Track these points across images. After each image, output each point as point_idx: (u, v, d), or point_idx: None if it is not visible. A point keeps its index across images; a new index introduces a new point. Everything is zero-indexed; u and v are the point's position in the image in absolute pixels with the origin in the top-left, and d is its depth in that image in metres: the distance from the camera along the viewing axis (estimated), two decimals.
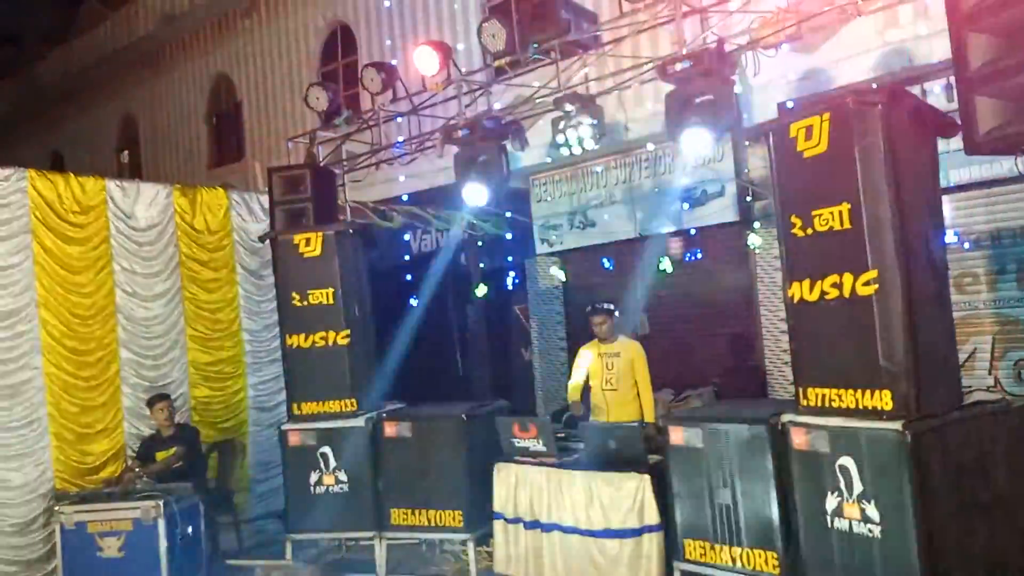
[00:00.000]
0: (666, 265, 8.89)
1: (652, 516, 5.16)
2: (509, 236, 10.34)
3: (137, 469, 6.82)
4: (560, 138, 6.44)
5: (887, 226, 4.06)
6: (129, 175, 15.50)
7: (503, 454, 6.03)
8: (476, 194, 6.82)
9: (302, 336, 6.81)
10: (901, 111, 4.14)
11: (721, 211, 8.36)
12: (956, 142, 4.12)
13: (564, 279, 10.05)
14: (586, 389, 6.68)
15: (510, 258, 10.61)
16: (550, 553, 5.63)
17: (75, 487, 6.82)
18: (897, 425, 3.94)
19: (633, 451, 5.42)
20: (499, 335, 10.95)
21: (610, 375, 6.52)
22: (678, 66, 5.55)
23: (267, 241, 7.43)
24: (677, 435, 5.07)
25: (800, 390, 4.50)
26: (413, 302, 10.98)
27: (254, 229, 8.40)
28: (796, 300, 4.46)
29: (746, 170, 8.08)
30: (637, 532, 5.20)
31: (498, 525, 5.97)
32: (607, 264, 9.59)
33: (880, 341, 4.06)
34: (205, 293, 8.10)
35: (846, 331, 4.21)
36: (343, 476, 6.56)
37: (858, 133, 4.11)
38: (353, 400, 6.72)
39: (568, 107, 6.37)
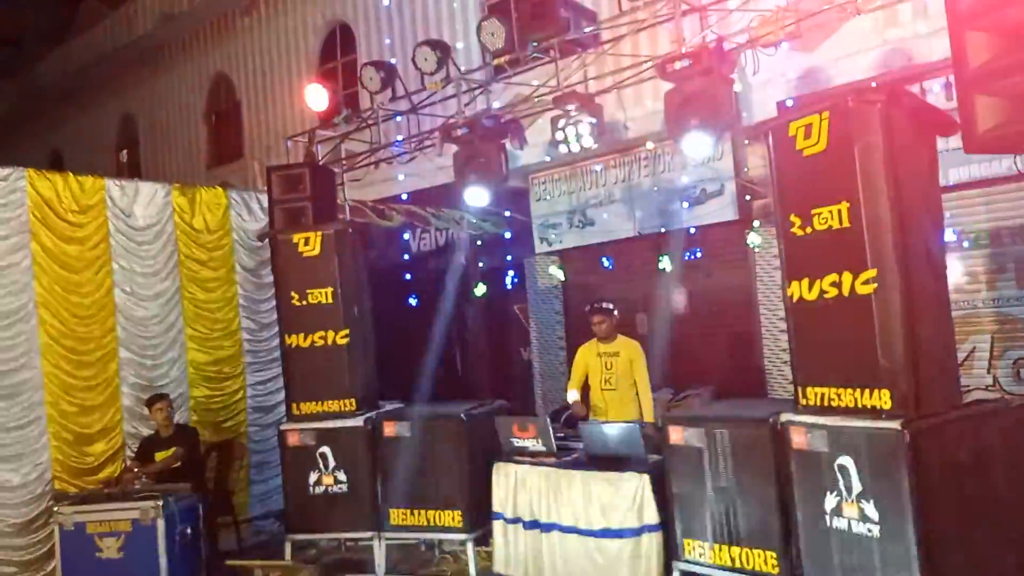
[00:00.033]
0: (665, 264, 8.88)
1: (651, 516, 5.15)
2: (508, 235, 10.34)
3: (136, 469, 6.81)
4: (559, 137, 6.43)
5: (886, 225, 4.05)
6: (128, 174, 15.46)
7: (502, 454, 6.02)
8: (477, 196, 6.82)
9: (301, 336, 6.80)
10: (900, 110, 4.13)
11: (720, 210, 8.36)
12: (955, 141, 4.11)
13: (563, 278, 10.05)
14: (585, 389, 6.68)
15: (509, 257, 10.61)
16: (549, 553, 5.62)
17: (74, 487, 6.80)
18: (896, 424, 3.94)
19: (632, 451, 5.42)
20: (498, 334, 10.95)
21: (609, 375, 6.52)
22: (677, 64, 5.54)
23: (266, 240, 7.42)
24: (676, 435, 5.06)
25: (799, 389, 4.50)
26: (412, 301, 10.99)
27: (253, 228, 8.39)
28: (795, 299, 4.46)
29: (745, 169, 8.09)
30: (636, 532, 5.19)
31: (497, 525, 5.96)
32: (606, 263, 9.59)
33: (879, 340, 4.05)
34: (204, 292, 8.08)
35: (845, 330, 4.21)
36: (342, 476, 6.55)
37: (857, 132, 4.10)
38: (352, 400, 6.71)
39: (567, 106, 6.36)
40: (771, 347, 8.11)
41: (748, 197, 8.13)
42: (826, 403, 4.31)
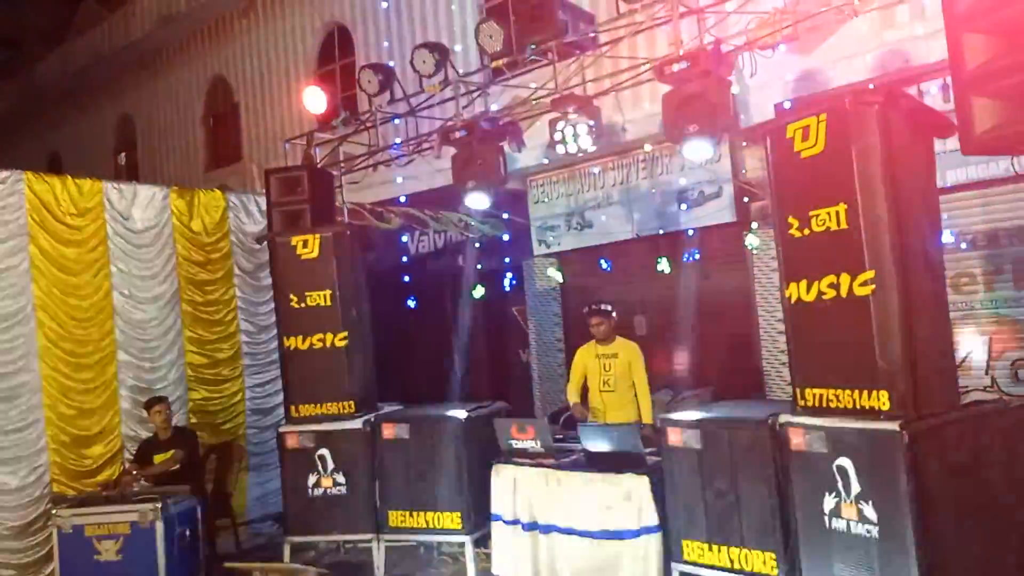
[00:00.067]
0: (664, 266, 8.89)
1: (650, 517, 5.15)
2: (506, 237, 10.35)
3: (135, 472, 6.81)
4: (557, 139, 6.43)
5: (884, 226, 4.06)
6: (126, 177, 15.50)
7: (501, 455, 6.02)
8: (477, 200, 6.83)
9: (300, 338, 6.80)
10: (898, 111, 4.14)
11: (718, 212, 8.38)
12: (952, 142, 4.12)
13: (561, 280, 10.06)
14: (584, 390, 6.68)
15: (508, 259, 10.61)
16: (548, 555, 5.62)
17: (72, 490, 6.80)
18: (894, 425, 3.94)
19: (631, 452, 5.42)
20: (496, 336, 10.96)
21: (607, 376, 6.52)
22: (675, 67, 5.55)
23: (264, 243, 7.42)
24: (675, 436, 5.07)
25: (797, 390, 4.50)
26: (411, 304, 10.99)
27: (252, 231, 8.40)
28: (793, 300, 4.46)
29: (743, 171, 8.10)
30: (635, 533, 5.19)
31: (496, 527, 5.96)
32: (604, 265, 9.60)
33: (877, 341, 4.06)
34: (202, 295, 8.09)
35: (843, 331, 4.21)
36: (341, 478, 6.55)
37: (855, 133, 4.11)
38: (351, 402, 6.71)
39: (565, 108, 6.36)
40: (769, 348, 8.12)
41: (746, 199, 8.15)
42: (824, 404, 4.32)
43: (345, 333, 6.74)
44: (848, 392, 4.20)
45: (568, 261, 9.98)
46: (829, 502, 4.25)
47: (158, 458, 6.97)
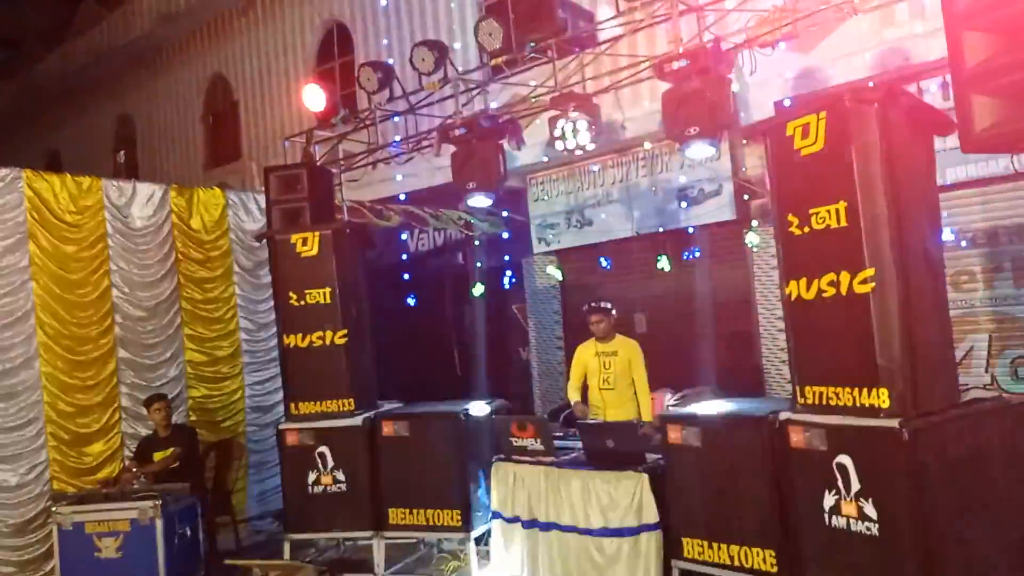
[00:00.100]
0: (663, 264, 8.89)
1: (650, 515, 5.15)
2: (506, 235, 10.35)
3: (134, 469, 6.82)
4: (557, 136, 6.43)
5: (884, 224, 4.06)
6: (125, 175, 15.47)
7: (501, 453, 6.03)
8: (479, 199, 6.83)
9: (299, 336, 6.80)
10: (897, 109, 4.14)
11: (718, 210, 8.38)
12: (952, 140, 4.12)
13: (561, 278, 10.06)
14: (584, 388, 6.68)
15: (507, 257, 10.62)
16: (548, 552, 5.63)
17: (72, 487, 6.80)
18: (894, 423, 3.94)
19: (631, 450, 5.42)
20: (497, 334, 10.95)
21: (607, 374, 6.52)
22: (675, 65, 5.54)
23: (264, 241, 7.42)
24: (675, 433, 5.07)
25: (797, 388, 4.50)
26: (411, 301, 10.99)
27: (251, 229, 8.40)
28: (793, 298, 4.46)
29: (743, 169, 8.09)
30: (635, 531, 5.19)
31: (496, 524, 5.97)
32: (604, 263, 9.60)
33: (877, 339, 4.06)
34: (202, 293, 8.09)
35: (843, 329, 4.21)
36: (341, 476, 6.55)
37: (855, 131, 4.11)
38: (351, 400, 6.71)
39: (565, 106, 6.36)
40: (769, 346, 8.12)
41: (746, 197, 8.15)
42: (824, 402, 4.32)
43: (345, 331, 6.73)
44: (848, 390, 4.20)
45: (568, 259, 9.98)
46: (829, 500, 4.25)
47: (158, 456, 6.98)
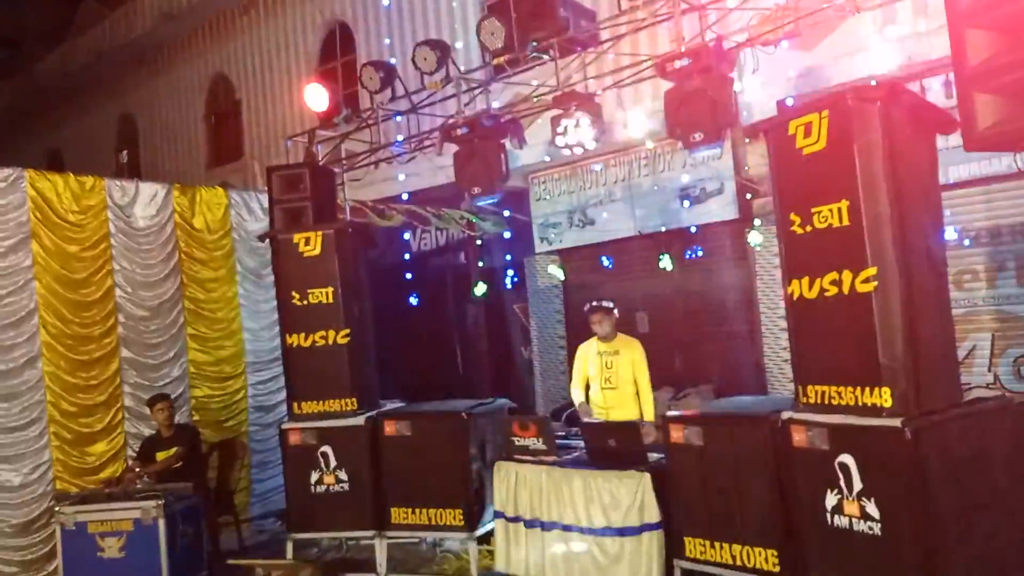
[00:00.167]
0: (666, 263, 8.89)
1: (652, 514, 5.16)
2: (508, 235, 10.35)
3: (137, 469, 6.82)
4: (559, 135, 6.43)
5: (886, 223, 4.05)
6: (128, 175, 15.44)
7: (503, 452, 6.03)
8: (483, 200, 6.84)
9: (302, 335, 6.80)
10: (900, 108, 4.13)
11: (721, 209, 8.38)
12: (955, 139, 4.11)
13: (563, 277, 10.06)
14: (586, 387, 6.68)
15: (509, 256, 10.62)
16: (550, 552, 5.63)
17: (75, 487, 6.81)
18: (896, 422, 3.94)
19: (633, 449, 5.42)
20: (499, 333, 10.96)
21: (609, 373, 6.52)
22: (677, 64, 5.55)
23: (267, 240, 7.42)
24: (677, 433, 5.07)
25: (800, 387, 4.50)
26: (413, 301, 10.99)
27: (253, 228, 8.40)
28: (795, 297, 4.46)
29: (745, 167, 8.09)
30: (637, 530, 5.20)
31: (498, 524, 5.97)
32: (606, 262, 9.60)
33: (879, 338, 4.05)
34: (205, 292, 8.09)
35: (845, 328, 4.21)
36: (343, 475, 6.56)
37: (857, 130, 4.10)
38: (353, 399, 6.71)
39: (567, 105, 6.36)
40: (771, 345, 8.11)
41: (748, 196, 8.14)
42: (827, 401, 4.31)
43: (347, 330, 6.74)
44: (850, 389, 4.19)
45: (570, 258, 9.98)
46: (831, 499, 4.25)
47: (161, 455, 6.98)
